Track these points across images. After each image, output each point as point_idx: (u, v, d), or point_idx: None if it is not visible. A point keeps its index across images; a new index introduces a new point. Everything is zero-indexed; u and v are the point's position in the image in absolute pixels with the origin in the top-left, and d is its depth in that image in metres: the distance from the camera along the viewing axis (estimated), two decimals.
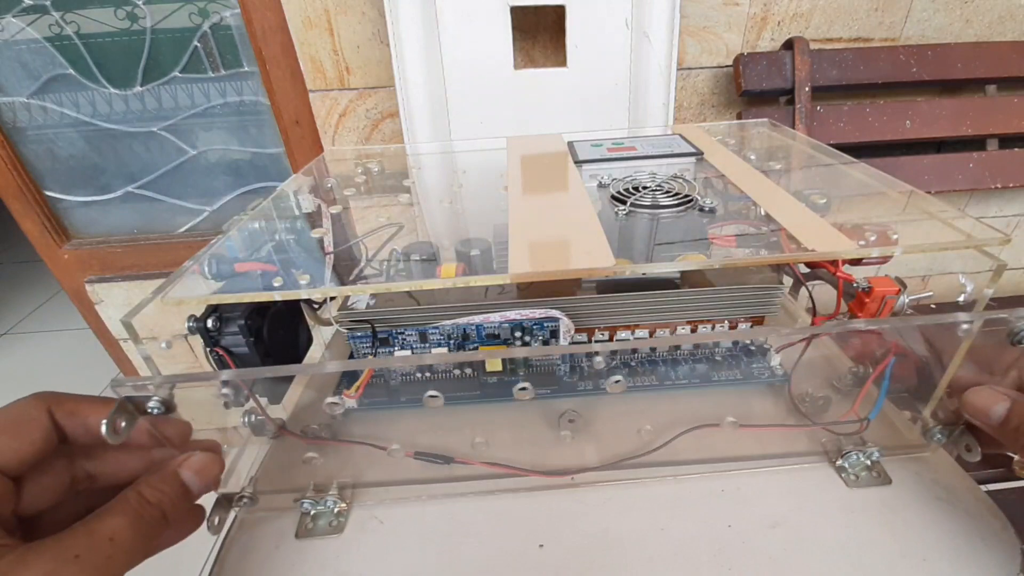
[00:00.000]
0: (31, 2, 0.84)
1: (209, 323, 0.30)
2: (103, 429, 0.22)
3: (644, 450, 0.32)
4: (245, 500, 0.30)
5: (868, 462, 0.31)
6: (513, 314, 0.34)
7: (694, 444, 0.33)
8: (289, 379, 0.37)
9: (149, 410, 0.24)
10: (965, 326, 0.26)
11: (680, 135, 0.50)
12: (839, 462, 0.31)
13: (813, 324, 0.34)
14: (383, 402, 0.37)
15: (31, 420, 0.22)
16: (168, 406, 0.24)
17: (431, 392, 0.30)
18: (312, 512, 0.31)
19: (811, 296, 0.35)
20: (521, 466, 0.31)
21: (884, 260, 0.28)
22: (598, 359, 0.29)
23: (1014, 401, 0.25)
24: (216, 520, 0.29)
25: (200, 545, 0.85)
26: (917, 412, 0.32)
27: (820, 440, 0.32)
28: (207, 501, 0.27)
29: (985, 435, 0.28)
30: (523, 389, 0.29)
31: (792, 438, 0.34)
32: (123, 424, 0.23)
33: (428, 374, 0.38)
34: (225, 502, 0.30)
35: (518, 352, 0.36)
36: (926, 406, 0.31)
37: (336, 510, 0.31)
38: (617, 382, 0.29)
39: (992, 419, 0.26)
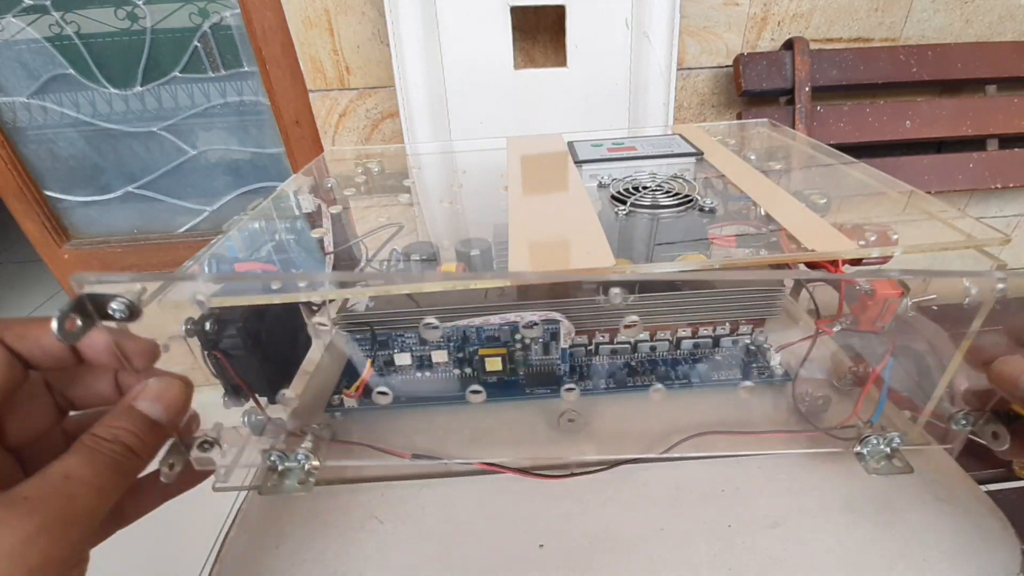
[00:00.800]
0: (31, 2, 0.84)
1: (207, 325, 0.30)
2: (53, 325, 0.20)
3: (644, 455, 0.32)
4: (206, 444, 0.27)
5: (887, 449, 0.30)
6: (513, 316, 0.34)
7: (694, 444, 0.33)
8: (289, 378, 0.37)
9: (111, 312, 0.21)
10: (1000, 285, 0.24)
11: (680, 135, 0.50)
12: (857, 448, 0.30)
13: (817, 325, 0.34)
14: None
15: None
16: (133, 311, 0.22)
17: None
18: (280, 468, 0.29)
19: (812, 298, 0.35)
20: (519, 467, 0.31)
21: (884, 260, 0.28)
22: (614, 291, 0.26)
23: None
24: (171, 465, 0.25)
25: (200, 544, 0.85)
26: (918, 408, 0.32)
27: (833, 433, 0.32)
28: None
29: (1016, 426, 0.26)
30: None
31: (793, 438, 0.34)
32: (78, 324, 0.21)
33: (428, 373, 0.38)
34: (183, 446, 0.26)
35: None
36: (927, 404, 0.31)
37: (307, 467, 0.29)
38: (631, 325, 0.28)
39: (1022, 391, 0.24)
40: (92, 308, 0.21)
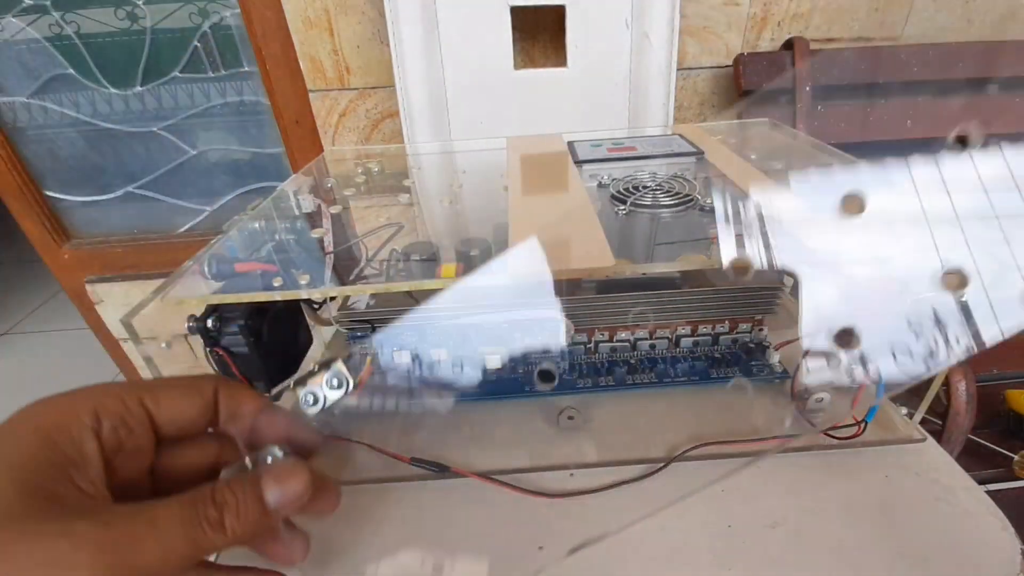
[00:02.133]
0: (31, 2, 0.84)
1: (209, 323, 0.30)
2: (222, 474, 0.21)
3: (644, 460, 0.32)
4: None
5: None
6: (513, 314, 0.34)
7: (693, 441, 0.33)
8: (290, 376, 0.37)
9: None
10: None
11: (680, 135, 0.50)
12: None
13: None
14: (382, 400, 0.37)
15: (199, 390, 0.22)
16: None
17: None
18: None
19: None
20: (520, 484, 0.31)
21: None
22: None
23: None
24: None
25: None
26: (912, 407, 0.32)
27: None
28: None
29: None
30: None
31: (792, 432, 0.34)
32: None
33: (428, 373, 0.38)
34: None
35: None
36: (922, 401, 0.31)
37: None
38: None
39: None
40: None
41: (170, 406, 0.21)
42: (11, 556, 0.16)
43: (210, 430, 0.24)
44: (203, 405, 0.22)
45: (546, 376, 0.35)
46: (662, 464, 0.31)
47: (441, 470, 0.32)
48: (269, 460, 0.21)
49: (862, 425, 0.31)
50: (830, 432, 0.32)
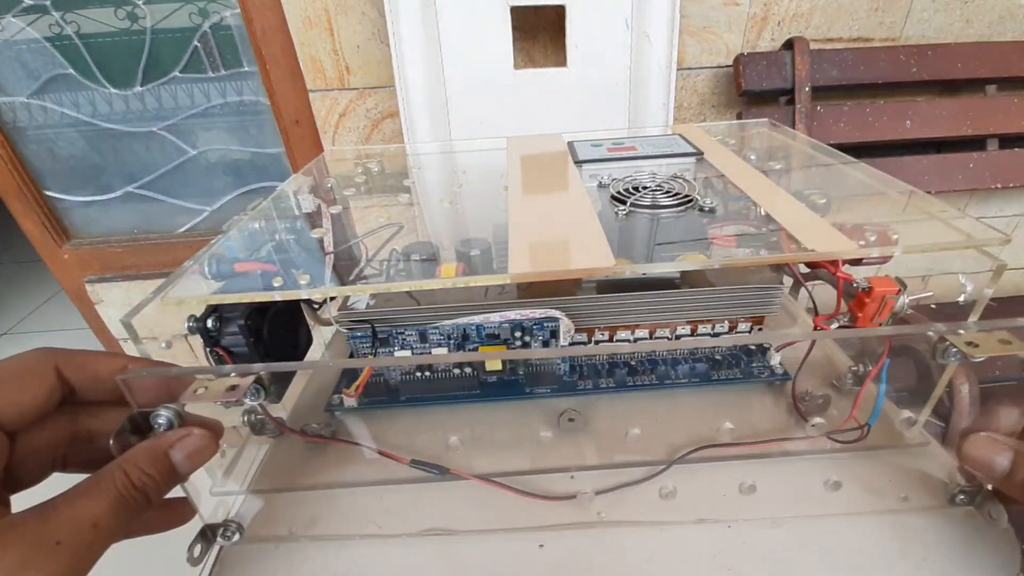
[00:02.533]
0: (31, 2, 0.84)
1: (209, 323, 0.30)
2: (111, 443, 0.21)
3: (645, 462, 0.32)
4: (231, 533, 0.28)
5: None
6: (513, 314, 0.34)
7: (694, 443, 0.33)
8: (289, 378, 0.37)
9: (156, 427, 0.23)
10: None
11: (680, 135, 0.50)
12: None
13: (815, 323, 0.34)
14: (383, 401, 0.37)
15: (36, 374, 0.22)
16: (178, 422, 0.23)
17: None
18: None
19: (812, 297, 0.35)
20: (521, 487, 0.31)
21: (884, 260, 0.28)
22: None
23: (1016, 452, 0.22)
24: (197, 551, 0.27)
25: None
26: (915, 412, 0.32)
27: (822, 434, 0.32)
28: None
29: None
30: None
31: (792, 435, 0.34)
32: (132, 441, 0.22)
33: (428, 373, 0.38)
34: (209, 533, 0.28)
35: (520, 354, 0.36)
36: (924, 406, 0.31)
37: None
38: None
39: (996, 472, 0.22)
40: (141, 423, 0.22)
41: (9, 406, 0.21)
42: None
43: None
44: (46, 388, 0.22)
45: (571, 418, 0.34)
46: (663, 467, 0.31)
47: (441, 472, 0.32)
48: (161, 422, 0.22)
49: (865, 429, 0.31)
50: (833, 436, 0.32)
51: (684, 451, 0.32)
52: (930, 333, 0.24)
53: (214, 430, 0.24)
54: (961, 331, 0.24)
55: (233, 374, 0.24)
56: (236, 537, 0.28)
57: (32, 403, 0.21)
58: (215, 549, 0.28)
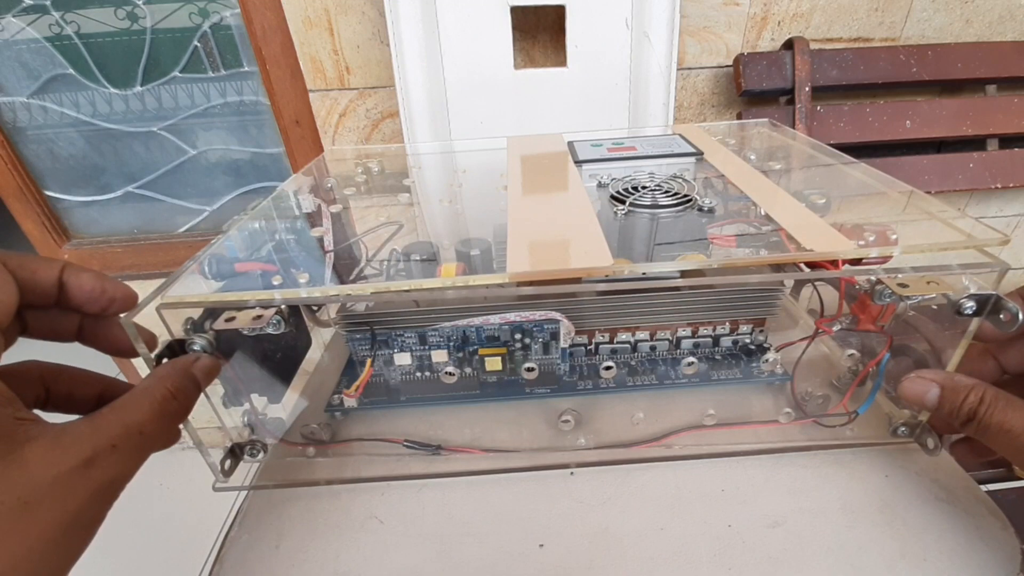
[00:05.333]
0: (31, 2, 0.84)
1: (206, 327, 0.29)
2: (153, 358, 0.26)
3: (639, 441, 0.32)
4: (257, 451, 0.32)
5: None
6: (513, 316, 0.34)
7: (694, 443, 0.33)
8: (289, 378, 0.37)
9: (190, 351, 0.26)
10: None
11: (680, 135, 0.50)
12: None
13: (817, 325, 0.34)
14: (383, 401, 0.37)
15: (5, 277, 0.22)
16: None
17: (448, 368, 0.32)
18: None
19: (819, 296, 0.34)
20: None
21: (884, 260, 0.28)
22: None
23: (942, 386, 0.26)
24: (227, 465, 0.31)
25: (201, 545, 0.85)
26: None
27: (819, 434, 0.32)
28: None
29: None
30: (530, 369, 0.32)
31: (792, 434, 0.34)
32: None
33: (428, 374, 0.38)
34: (237, 450, 0.32)
35: None
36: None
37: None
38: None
39: (927, 406, 0.27)
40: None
41: (23, 264, 0.22)
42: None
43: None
44: (13, 288, 0.22)
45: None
46: (654, 443, 0.32)
47: (435, 450, 0.32)
48: (196, 348, 0.27)
49: (852, 415, 0.32)
50: (820, 422, 0.32)
51: (682, 450, 0.32)
52: (871, 278, 0.27)
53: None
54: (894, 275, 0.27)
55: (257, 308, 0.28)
56: (261, 455, 0.32)
57: (11, 300, 0.22)
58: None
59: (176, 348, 0.27)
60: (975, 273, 0.26)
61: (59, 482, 0.18)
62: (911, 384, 0.27)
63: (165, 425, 0.22)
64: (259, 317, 0.27)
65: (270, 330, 0.27)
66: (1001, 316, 0.25)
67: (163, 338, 0.26)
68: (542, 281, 0.28)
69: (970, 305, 0.26)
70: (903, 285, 0.27)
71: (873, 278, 0.27)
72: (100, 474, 0.19)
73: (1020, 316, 0.24)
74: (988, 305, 0.26)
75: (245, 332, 0.27)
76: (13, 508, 0.17)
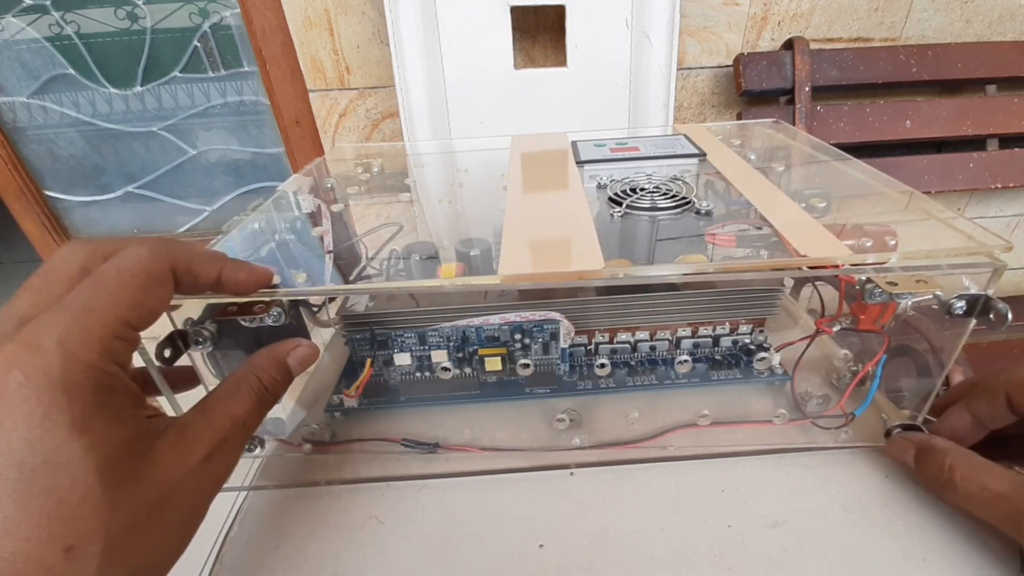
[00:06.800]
0: (31, 2, 0.84)
1: (207, 325, 0.30)
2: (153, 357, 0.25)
3: (635, 440, 0.32)
4: (255, 444, 0.33)
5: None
6: (512, 316, 0.34)
7: (694, 443, 0.33)
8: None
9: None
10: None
11: (684, 135, 0.50)
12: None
13: (817, 325, 0.34)
14: (383, 401, 0.37)
15: (164, 280, 0.21)
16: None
17: (444, 364, 0.33)
18: None
19: (820, 297, 0.34)
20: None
21: (882, 263, 0.28)
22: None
23: (917, 449, 0.28)
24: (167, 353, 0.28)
25: (201, 545, 0.84)
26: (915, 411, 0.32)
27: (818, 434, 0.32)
28: None
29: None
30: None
31: (792, 434, 0.34)
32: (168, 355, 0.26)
33: (428, 374, 0.38)
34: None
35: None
36: (926, 401, 0.31)
37: None
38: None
39: (909, 466, 0.29)
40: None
41: (144, 311, 0.20)
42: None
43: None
44: (168, 294, 0.21)
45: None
46: (650, 441, 0.32)
47: (432, 448, 0.32)
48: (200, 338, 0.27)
49: (850, 416, 0.32)
50: (816, 423, 0.32)
51: (682, 450, 0.32)
52: (861, 277, 0.28)
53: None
54: (884, 274, 0.27)
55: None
56: (258, 449, 0.33)
57: (160, 307, 0.21)
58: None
59: (177, 339, 0.27)
60: (964, 273, 0.26)
61: (187, 479, 0.19)
62: (893, 445, 0.29)
63: (262, 416, 0.23)
64: (260, 308, 0.28)
65: (270, 321, 0.27)
66: (991, 316, 0.26)
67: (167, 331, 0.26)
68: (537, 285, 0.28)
69: (960, 305, 0.26)
70: (892, 283, 0.27)
71: (863, 277, 0.27)
72: (216, 468, 0.20)
73: (1009, 317, 0.25)
74: (978, 305, 0.26)
75: (244, 323, 0.27)
76: (154, 505, 0.18)
